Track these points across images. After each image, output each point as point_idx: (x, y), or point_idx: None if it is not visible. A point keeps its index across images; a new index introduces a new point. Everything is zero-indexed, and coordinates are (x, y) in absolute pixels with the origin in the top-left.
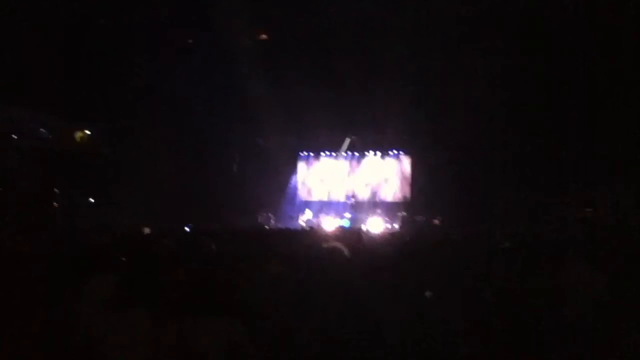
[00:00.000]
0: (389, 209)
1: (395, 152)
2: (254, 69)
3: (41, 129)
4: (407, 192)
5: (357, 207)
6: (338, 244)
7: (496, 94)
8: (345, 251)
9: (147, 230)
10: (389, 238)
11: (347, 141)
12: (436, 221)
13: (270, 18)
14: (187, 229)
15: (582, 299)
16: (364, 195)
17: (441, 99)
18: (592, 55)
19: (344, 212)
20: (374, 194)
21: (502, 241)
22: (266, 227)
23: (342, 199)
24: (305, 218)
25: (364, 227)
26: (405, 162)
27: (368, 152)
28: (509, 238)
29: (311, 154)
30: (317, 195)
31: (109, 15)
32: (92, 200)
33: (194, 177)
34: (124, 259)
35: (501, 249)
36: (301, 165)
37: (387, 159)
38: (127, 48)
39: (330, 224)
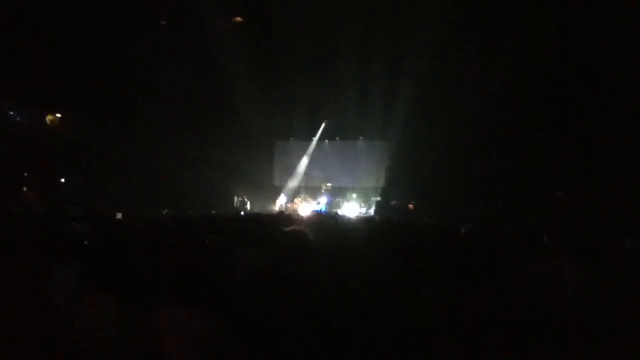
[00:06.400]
0: (364, 194)
1: (371, 138)
2: (231, 57)
3: (21, 118)
4: (382, 177)
5: (333, 192)
6: (301, 228)
7: (477, 84)
8: (310, 234)
9: (119, 216)
10: (362, 222)
11: (323, 127)
12: (410, 206)
13: (248, 6)
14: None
15: (562, 291)
16: (340, 180)
17: (419, 86)
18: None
19: (320, 198)
20: (349, 179)
21: (481, 230)
22: (242, 212)
23: (318, 184)
24: (280, 203)
25: (339, 212)
26: (381, 148)
27: (344, 138)
28: (486, 227)
29: (288, 139)
30: (292, 181)
31: (91, 5)
32: (64, 184)
33: (167, 164)
34: (100, 246)
35: (478, 238)
36: (277, 151)
37: (363, 144)
38: (106, 38)
39: (306, 208)
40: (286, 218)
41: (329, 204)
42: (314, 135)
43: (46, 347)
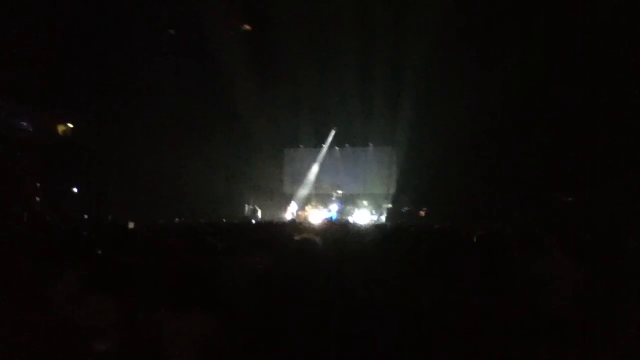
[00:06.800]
0: (375, 200)
1: (380, 144)
2: (241, 65)
3: (24, 122)
4: (393, 184)
5: (343, 200)
6: (310, 236)
7: (482, 90)
8: (318, 241)
9: (131, 225)
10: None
11: (333, 134)
12: (422, 212)
13: (257, 13)
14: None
15: (562, 291)
16: (350, 187)
17: (428, 91)
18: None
19: (331, 205)
20: (359, 186)
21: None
22: (253, 220)
23: (328, 191)
24: (291, 211)
25: (350, 219)
26: (390, 154)
27: (354, 145)
28: (489, 229)
29: (298, 147)
30: (303, 188)
31: (91, 8)
32: (76, 192)
33: (179, 171)
34: (105, 250)
35: (480, 239)
36: (287, 159)
37: (372, 151)
38: (110, 42)
39: (316, 216)
40: (297, 226)
41: (339, 212)
42: (324, 143)
43: (48, 347)
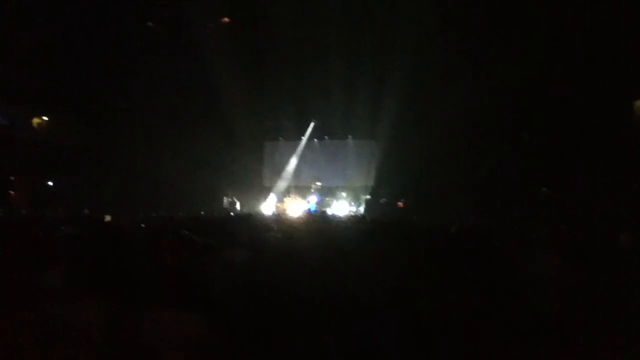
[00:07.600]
0: (354, 192)
1: (359, 137)
2: (219, 57)
3: (5, 119)
4: (371, 176)
5: (322, 192)
6: (274, 233)
7: (466, 84)
8: (280, 237)
9: (107, 218)
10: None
11: (311, 126)
12: (400, 204)
13: (236, 6)
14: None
15: (559, 291)
16: (329, 179)
17: (407, 85)
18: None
19: (310, 197)
20: (338, 178)
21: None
22: (231, 213)
23: (308, 183)
24: (270, 203)
25: (329, 211)
26: (369, 147)
27: (333, 137)
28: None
29: (277, 139)
30: (282, 181)
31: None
32: (57, 190)
33: (156, 166)
34: (87, 248)
35: (471, 236)
36: (266, 151)
37: (351, 143)
38: (91, 37)
39: (295, 208)
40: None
41: (318, 204)
42: (303, 135)
43: (32, 351)
